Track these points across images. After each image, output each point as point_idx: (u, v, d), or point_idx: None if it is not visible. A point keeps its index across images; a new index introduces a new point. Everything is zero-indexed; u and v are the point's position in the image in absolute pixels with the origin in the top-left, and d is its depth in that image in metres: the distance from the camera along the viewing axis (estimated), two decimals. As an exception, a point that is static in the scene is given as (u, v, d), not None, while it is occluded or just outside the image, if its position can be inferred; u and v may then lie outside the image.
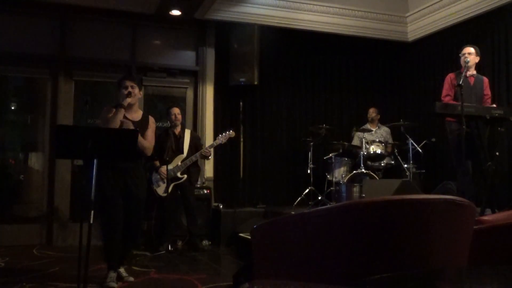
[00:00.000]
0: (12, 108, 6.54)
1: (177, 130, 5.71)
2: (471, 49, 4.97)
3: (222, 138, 5.63)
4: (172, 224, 5.61)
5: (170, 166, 5.50)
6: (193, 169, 5.71)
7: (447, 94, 4.96)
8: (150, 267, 4.59)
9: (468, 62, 4.83)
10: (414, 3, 7.22)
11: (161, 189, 5.45)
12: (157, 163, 5.50)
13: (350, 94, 7.60)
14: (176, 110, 5.72)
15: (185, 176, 5.55)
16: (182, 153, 5.63)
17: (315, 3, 6.89)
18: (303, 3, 6.84)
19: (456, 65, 5.23)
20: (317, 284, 0.96)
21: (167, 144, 5.53)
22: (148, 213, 5.58)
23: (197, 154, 5.58)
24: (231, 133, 5.71)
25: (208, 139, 6.53)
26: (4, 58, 5.99)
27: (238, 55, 6.58)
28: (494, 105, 4.83)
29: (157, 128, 6.66)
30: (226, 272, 4.47)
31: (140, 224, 4.30)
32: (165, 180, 5.40)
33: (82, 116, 6.20)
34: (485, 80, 5.14)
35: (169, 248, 5.40)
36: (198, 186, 6.12)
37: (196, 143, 5.80)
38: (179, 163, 5.56)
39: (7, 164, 6.23)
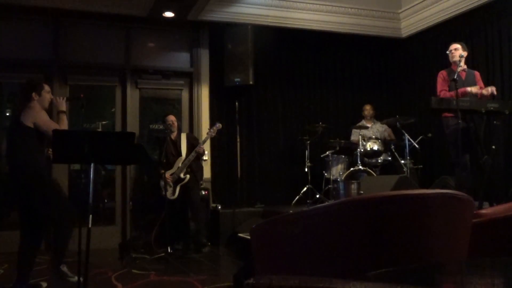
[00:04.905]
0: (7, 114, 6.51)
1: (174, 135, 5.91)
2: (457, 45, 5.05)
3: (211, 132, 5.72)
4: (183, 224, 5.80)
5: (173, 170, 5.71)
6: (196, 167, 5.86)
7: (442, 89, 4.99)
8: (149, 269, 4.59)
9: (462, 56, 4.89)
10: (407, -1, 7.24)
11: (169, 193, 5.64)
12: (161, 170, 5.75)
13: (345, 91, 7.61)
14: (172, 118, 5.92)
15: (188, 176, 5.70)
16: (181, 155, 5.77)
17: (308, 1, 6.89)
18: (296, 1, 6.84)
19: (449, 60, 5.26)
20: (323, 278, 0.96)
21: (167, 150, 5.80)
22: (156, 216, 5.73)
23: (194, 151, 5.71)
24: (219, 125, 5.76)
25: (205, 140, 6.54)
26: (-2, 64, 5.97)
27: (233, 55, 6.58)
28: (494, 87, 4.85)
29: (153, 131, 6.75)
30: (226, 273, 4.47)
31: None
32: (171, 184, 5.66)
33: (77, 120, 6.17)
34: (477, 73, 5.19)
35: (169, 250, 5.40)
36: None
37: (193, 143, 5.88)
38: (180, 165, 5.70)
39: (4, 170, 6.20)
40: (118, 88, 6.57)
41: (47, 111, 4.01)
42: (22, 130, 3.75)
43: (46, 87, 4.03)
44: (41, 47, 6.18)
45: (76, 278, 3.89)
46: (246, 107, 7.02)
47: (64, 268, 4.01)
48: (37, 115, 3.79)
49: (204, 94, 6.76)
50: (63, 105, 4.03)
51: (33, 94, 3.91)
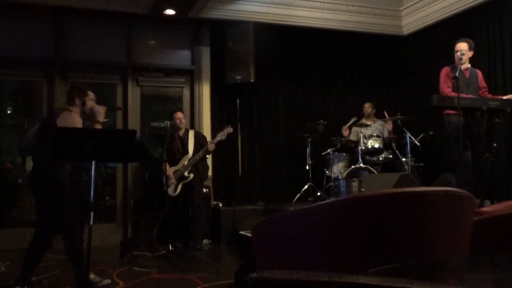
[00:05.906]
0: (8, 112, 6.52)
1: (181, 132, 5.88)
2: (463, 45, 5.03)
3: (222, 134, 5.71)
4: (185, 222, 5.77)
5: (178, 167, 5.69)
6: (202, 167, 5.82)
7: (445, 85, 4.99)
8: (151, 267, 4.59)
9: (463, 53, 4.90)
10: (408, -4, 7.23)
11: (171, 190, 5.62)
12: (164, 165, 5.71)
13: (346, 89, 7.61)
14: (180, 115, 5.91)
15: (192, 175, 5.67)
16: (188, 153, 5.74)
17: (309, -1, 6.89)
18: (297, -1, 6.84)
19: (452, 58, 5.25)
20: (325, 273, 0.96)
21: (174, 147, 5.77)
22: (157, 214, 5.76)
23: (202, 150, 5.68)
24: (229, 129, 5.75)
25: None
26: (-1, 62, 5.97)
27: (234, 53, 6.57)
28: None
29: (156, 128, 6.74)
30: (227, 270, 4.47)
31: None
32: (174, 182, 5.65)
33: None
34: (479, 73, 5.20)
35: (170, 248, 5.41)
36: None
37: (201, 142, 5.87)
38: (186, 163, 5.68)
39: (5, 168, 6.21)
40: (119, 86, 6.57)
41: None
42: (53, 131, 3.71)
43: (91, 95, 4.00)
44: (42, 44, 6.18)
45: (106, 280, 3.91)
46: (247, 104, 7.01)
47: (91, 275, 3.81)
48: (72, 120, 3.75)
49: (205, 92, 6.75)
50: (102, 115, 3.98)
51: (76, 98, 3.91)
